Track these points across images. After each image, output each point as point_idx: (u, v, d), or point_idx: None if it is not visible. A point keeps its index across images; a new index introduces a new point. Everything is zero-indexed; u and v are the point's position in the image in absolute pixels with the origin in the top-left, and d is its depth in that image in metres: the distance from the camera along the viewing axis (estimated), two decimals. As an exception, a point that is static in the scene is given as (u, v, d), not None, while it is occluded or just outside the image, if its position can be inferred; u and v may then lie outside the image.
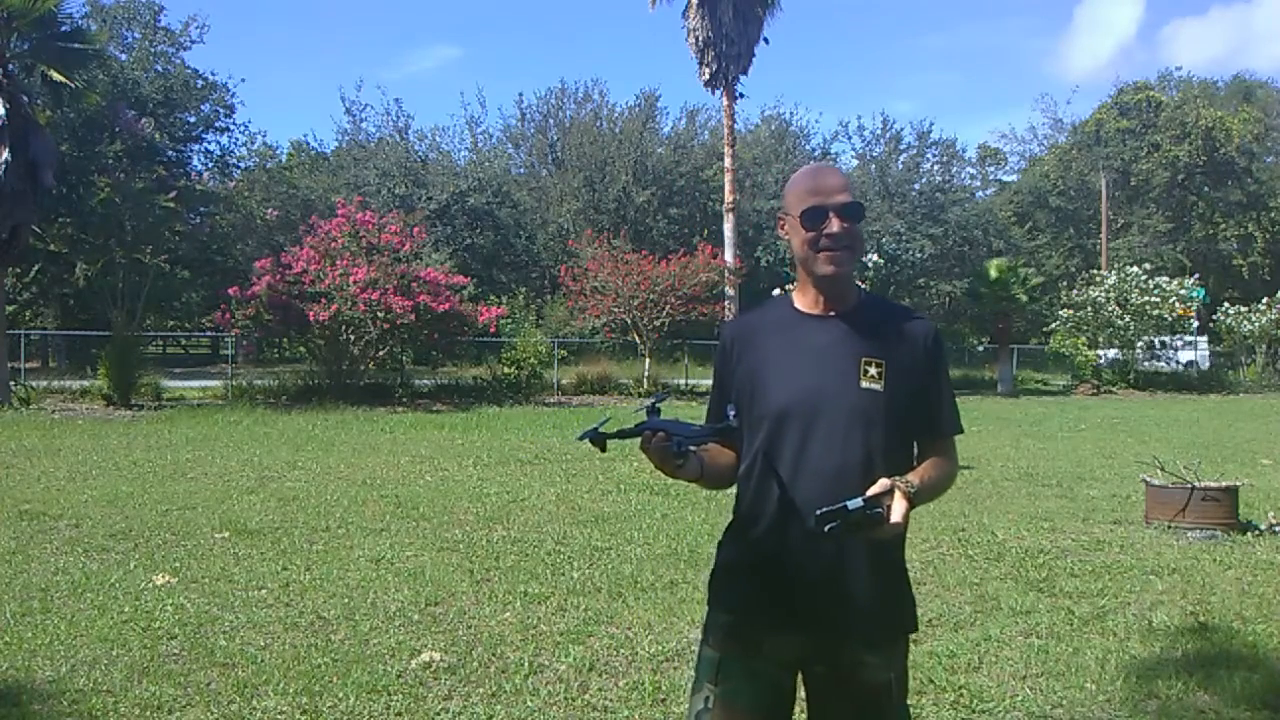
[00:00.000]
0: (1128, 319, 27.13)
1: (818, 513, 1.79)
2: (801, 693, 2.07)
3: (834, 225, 1.98)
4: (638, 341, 22.78)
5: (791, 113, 58.99)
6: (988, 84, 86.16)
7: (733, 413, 2.03)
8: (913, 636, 2.10)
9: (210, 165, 33.24)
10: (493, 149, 40.37)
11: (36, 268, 27.15)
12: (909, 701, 2.10)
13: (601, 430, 1.91)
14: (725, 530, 2.14)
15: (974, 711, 3.72)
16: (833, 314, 2.04)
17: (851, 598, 1.95)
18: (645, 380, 22.05)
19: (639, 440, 1.88)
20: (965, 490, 8.65)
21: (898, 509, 1.81)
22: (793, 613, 1.97)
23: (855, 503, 1.79)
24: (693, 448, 1.92)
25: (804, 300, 2.08)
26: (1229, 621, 4.87)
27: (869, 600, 1.96)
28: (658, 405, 1.95)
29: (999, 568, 5.95)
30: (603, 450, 1.96)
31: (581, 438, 1.94)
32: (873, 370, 1.98)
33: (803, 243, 2.02)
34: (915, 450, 2.07)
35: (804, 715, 2.09)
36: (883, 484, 1.83)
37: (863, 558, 1.94)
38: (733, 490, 2.14)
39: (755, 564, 2.02)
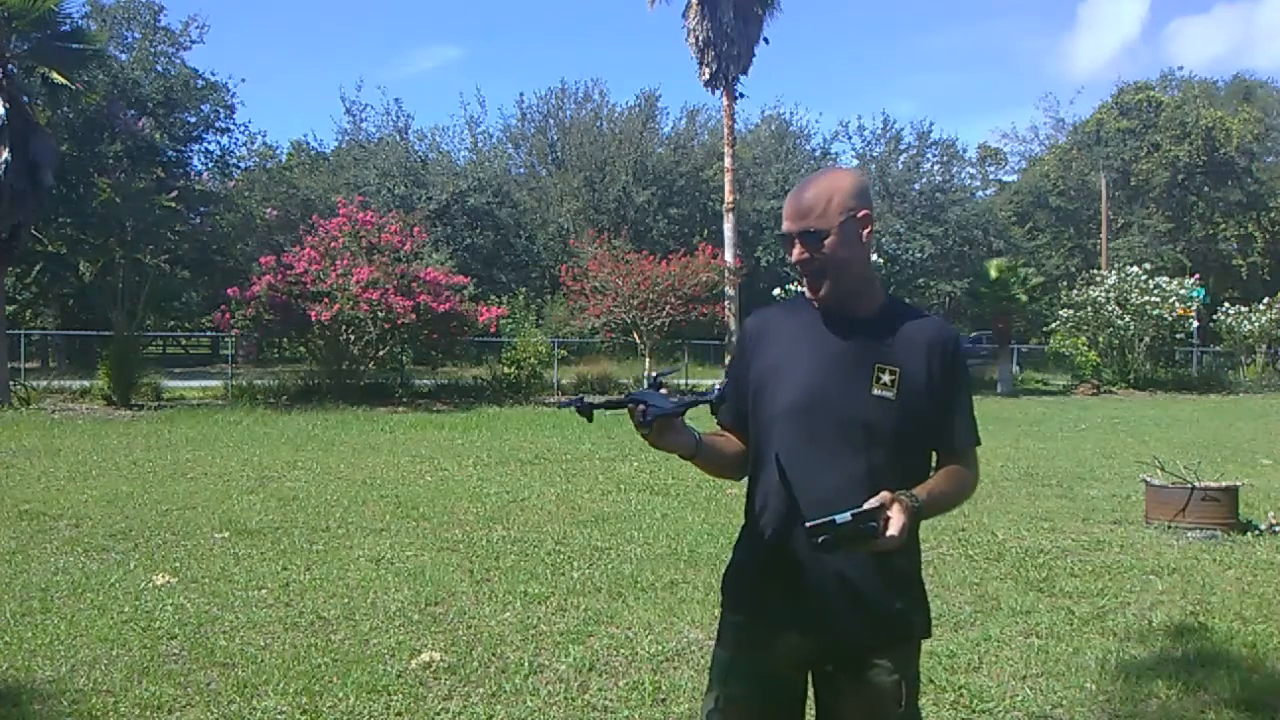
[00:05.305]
0: (1128, 319, 27.13)
1: (806, 525, 1.75)
2: (811, 693, 2.06)
3: (794, 253, 1.99)
4: (638, 341, 22.78)
5: (791, 113, 59.20)
6: (988, 84, 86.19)
7: (719, 385, 2.02)
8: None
9: (210, 165, 33.25)
10: (493, 149, 40.42)
11: (37, 268, 27.16)
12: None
13: (588, 400, 1.92)
14: (740, 530, 2.12)
15: (974, 711, 3.72)
16: (853, 318, 2.01)
17: (860, 600, 1.94)
18: (645, 380, 22.03)
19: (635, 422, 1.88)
20: (965, 490, 8.64)
21: (895, 523, 1.77)
22: (802, 614, 1.96)
23: (844, 516, 1.73)
24: (688, 415, 1.91)
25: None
26: (1229, 621, 4.86)
27: (878, 603, 1.95)
28: (659, 380, 1.96)
29: (999, 568, 5.95)
30: (589, 419, 1.94)
31: (566, 405, 1.94)
32: (885, 378, 1.94)
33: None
34: (933, 460, 2.03)
35: (814, 716, 2.08)
36: (880, 498, 1.79)
37: (872, 561, 1.91)
38: (739, 490, 2.12)
39: (765, 565, 2.01)
